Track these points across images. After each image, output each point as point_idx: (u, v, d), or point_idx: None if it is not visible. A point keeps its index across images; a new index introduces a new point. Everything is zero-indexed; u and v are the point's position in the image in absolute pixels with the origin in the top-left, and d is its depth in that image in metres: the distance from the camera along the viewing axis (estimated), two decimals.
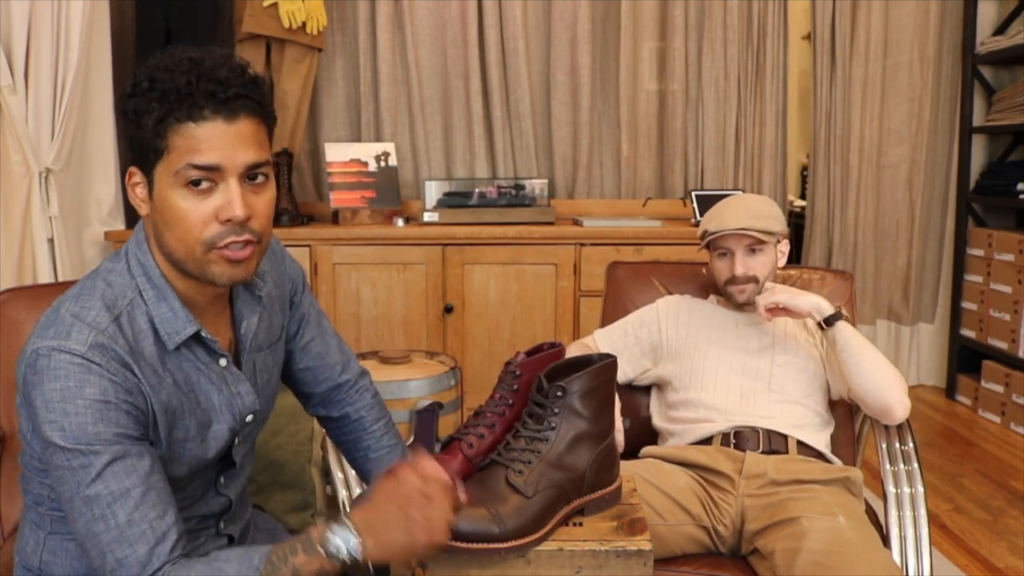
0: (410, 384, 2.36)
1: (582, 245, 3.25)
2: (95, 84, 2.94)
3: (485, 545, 1.02)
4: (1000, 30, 3.80)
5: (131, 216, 3.13)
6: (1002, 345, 3.58)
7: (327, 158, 3.45)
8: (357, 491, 1.63)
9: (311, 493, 2.02)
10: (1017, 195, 3.56)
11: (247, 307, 1.18)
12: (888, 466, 1.64)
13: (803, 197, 4.72)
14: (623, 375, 1.88)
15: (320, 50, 3.45)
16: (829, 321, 1.70)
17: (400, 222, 3.32)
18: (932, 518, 2.17)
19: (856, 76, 3.78)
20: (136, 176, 1.05)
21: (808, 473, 1.59)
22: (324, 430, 1.44)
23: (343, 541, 0.98)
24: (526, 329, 3.28)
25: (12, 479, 1.42)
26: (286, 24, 3.25)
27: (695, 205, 3.39)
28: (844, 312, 1.73)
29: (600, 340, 1.93)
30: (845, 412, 1.85)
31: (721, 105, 3.74)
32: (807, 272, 2.06)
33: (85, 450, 0.97)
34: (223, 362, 1.13)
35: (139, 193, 1.06)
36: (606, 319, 2.04)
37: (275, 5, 3.23)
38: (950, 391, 3.94)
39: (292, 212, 3.31)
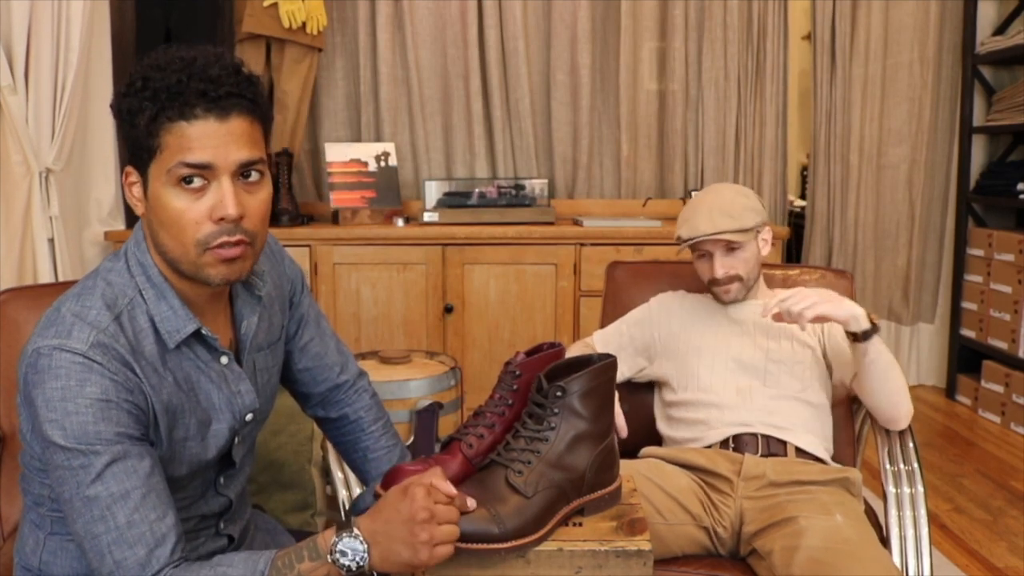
0: (410, 384, 2.36)
1: (582, 245, 3.25)
2: (95, 84, 2.94)
3: (485, 545, 1.02)
4: (1000, 30, 3.80)
5: (131, 216, 3.13)
6: (1002, 345, 3.58)
7: (327, 158, 3.45)
8: (357, 491, 1.63)
9: (311, 493, 2.03)
10: (1017, 195, 3.56)
11: (247, 306, 1.18)
12: (888, 466, 1.64)
13: (803, 197, 4.71)
14: (620, 374, 1.86)
15: (320, 50, 3.45)
16: (866, 334, 1.59)
17: (400, 222, 3.32)
18: (932, 518, 2.17)
19: (856, 76, 3.78)
20: (132, 175, 1.05)
21: (807, 474, 1.59)
22: (322, 431, 1.44)
23: (351, 550, 0.98)
24: (526, 329, 3.28)
25: (12, 479, 1.42)
26: (286, 24, 3.25)
27: None
28: (876, 323, 1.63)
29: (598, 341, 1.93)
30: (845, 412, 1.85)
31: (721, 105, 3.74)
32: (807, 272, 2.05)
33: (85, 450, 0.97)
34: (224, 360, 1.13)
35: (135, 192, 1.06)
36: (606, 319, 2.04)
37: (275, 5, 3.23)
38: (950, 391, 3.94)
39: (292, 212, 3.31)
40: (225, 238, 1.02)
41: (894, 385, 1.64)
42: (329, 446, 1.68)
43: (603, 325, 2.01)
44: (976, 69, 3.82)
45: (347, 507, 1.61)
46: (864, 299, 3.92)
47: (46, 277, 2.73)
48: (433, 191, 3.49)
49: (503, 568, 1.06)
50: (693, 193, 3.44)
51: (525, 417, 1.13)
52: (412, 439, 2.32)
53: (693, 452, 1.66)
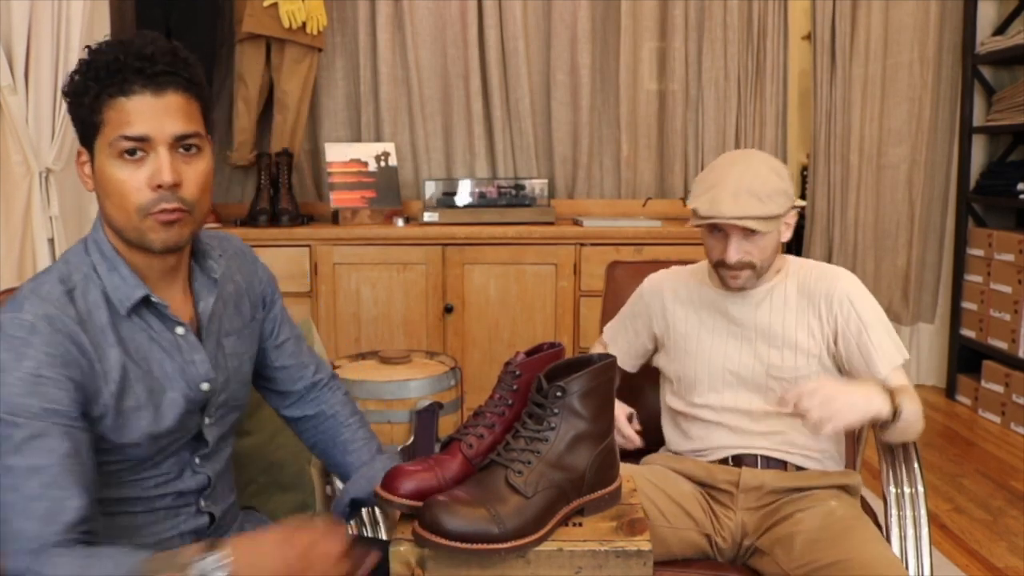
0: (410, 384, 2.36)
1: (582, 245, 3.25)
2: None
3: (485, 545, 1.02)
4: (1000, 30, 3.80)
5: None
6: (1002, 345, 3.58)
7: (327, 158, 3.45)
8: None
9: (310, 495, 2.02)
10: (1017, 195, 3.56)
11: (204, 287, 1.24)
12: (888, 466, 1.64)
13: (803, 197, 4.71)
14: (633, 366, 1.80)
15: (320, 50, 3.45)
16: (893, 415, 1.45)
17: (400, 222, 3.32)
18: (932, 518, 2.16)
19: (856, 76, 3.78)
20: (83, 155, 1.13)
21: (806, 480, 1.58)
22: (299, 433, 1.46)
23: (208, 568, 0.98)
24: (526, 329, 3.28)
25: None
26: (286, 24, 3.24)
27: None
28: (899, 405, 1.46)
29: (608, 340, 1.85)
30: None
31: (721, 105, 3.74)
32: None
33: (10, 420, 1.01)
34: (180, 330, 1.18)
35: (86, 171, 1.14)
36: (606, 319, 2.03)
37: (275, 5, 3.23)
38: (950, 391, 3.94)
39: (292, 212, 3.31)
40: (163, 204, 1.09)
41: (914, 429, 1.52)
42: None
43: (603, 325, 2.00)
44: (976, 69, 3.82)
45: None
46: None
47: None
48: (433, 191, 3.49)
49: (503, 568, 1.05)
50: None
51: (525, 417, 1.13)
52: (412, 439, 2.32)
53: (692, 463, 1.64)
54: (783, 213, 1.55)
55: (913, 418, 1.48)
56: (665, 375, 1.77)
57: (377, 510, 1.54)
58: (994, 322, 3.63)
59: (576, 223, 3.37)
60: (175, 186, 1.09)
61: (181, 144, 1.10)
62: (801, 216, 4.17)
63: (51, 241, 2.77)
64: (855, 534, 1.43)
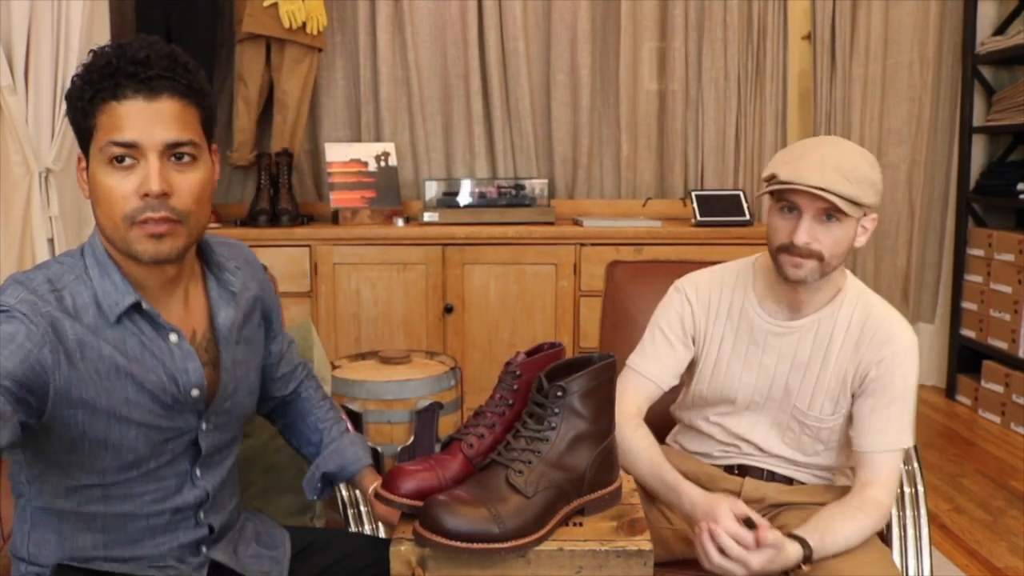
0: (410, 384, 2.36)
1: (582, 245, 3.25)
2: None
3: (485, 545, 1.02)
4: (1000, 30, 3.80)
5: None
6: (1002, 345, 3.58)
7: (327, 158, 3.45)
8: (357, 493, 1.62)
9: None
10: (1017, 195, 3.56)
11: (222, 300, 1.22)
12: None
13: None
14: (673, 378, 1.59)
15: (320, 50, 3.45)
16: (806, 559, 1.34)
17: (400, 222, 3.32)
18: (932, 518, 2.17)
19: (856, 76, 3.78)
20: (82, 161, 1.11)
21: (809, 497, 1.55)
22: (270, 416, 1.48)
23: None
24: (526, 329, 3.28)
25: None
26: (286, 24, 3.24)
27: (695, 205, 3.39)
28: (810, 544, 1.34)
29: (639, 365, 1.59)
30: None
31: (721, 105, 3.74)
32: None
33: None
34: (173, 338, 1.14)
35: (84, 177, 1.12)
36: (606, 319, 2.03)
37: (275, 5, 3.23)
38: (950, 391, 3.94)
39: (292, 212, 3.31)
40: (150, 214, 1.06)
41: (858, 540, 1.40)
42: None
43: (603, 325, 1.99)
44: (976, 69, 3.82)
45: (348, 510, 1.60)
46: None
47: None
48: (433, 191, 3.49)
49: (503, 568, 1.06)
50: (693, 193, 3.44)
51: (525, 417, 1.13)
52: (412, 439, 2.32)
53: (696, 465, 1.61)
54: (867, 204, 1.38)
55: (854, 538, 1.37)
56: (682, 382, 1.66)
57: (358, 493, 1.55)
58: (994, 322, 3.63)
59: (576, 223, 3.37)
60: (164, 195, 1.05)
61: (173, 152, 1.07)
62: None
63: (51, 241, 2.77)
64: (857, 553, 1.38)
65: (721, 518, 1.32)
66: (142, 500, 1.16)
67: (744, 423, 1.56)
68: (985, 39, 3.79)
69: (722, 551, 1.31)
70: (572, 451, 1.11)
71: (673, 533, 1.53)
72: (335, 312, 3.21)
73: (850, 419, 1.50)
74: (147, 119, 1.05)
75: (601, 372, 1.15)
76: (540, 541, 1.07)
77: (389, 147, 3.51)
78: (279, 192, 3.32)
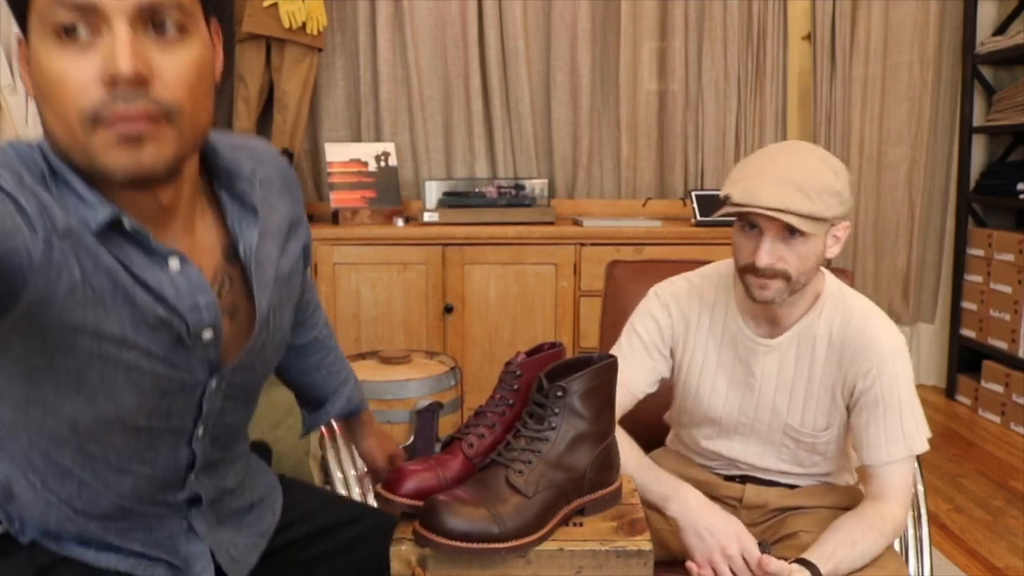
0: (410, 384, 2.36)
1: (582, 245, 3.25)
2: None
3: (485, 545, 1.02)
4: (1000, 30, 3.80)
5: None
6: (1002, 345, 3.58)
7: (327, 158, 3.45)
8: (356, 490, 1.62)
9: None
10: (1017, 195, 3.56)
11: (242, 220, 0.91)
12: None
13: None
14: (648, 386, 1.55)
15: (320, 50, 3.45)
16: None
17: (400, 222, 3.32)
18: (932, 518, 2.17)
19: (856, 76, 3.78)
20: (23, 46, 0.79)
21: (811, 500, 1.54)
22: (279, 374, 1.30)
23: None
24: (526, 329, 3.28)
25: None
26: (286, 24, 3.25)
27: (695, 205, 3.39)
28: (821, 571, 1.28)
29: (628, 376, 1.51)
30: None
31: (721, 105, 3.74)
32: None
33: None
34: (174, 264, 0.85)
35: (26, 67, 0.80)
36: (606, 319, 2.02)
37: (275, 5, 3.23)
38: (950, 391, 3.95)
39: None
40: (120, 107, 0.74)
41: (872, 554, 1.35)
42: (327, 442, 1.67)
43: (603, 325, 1.98)
44: (976, 69, 3.82)
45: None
46: None
47: None
48: (433, 191, 3.49)
49: (503, 568, 1.05)
50: (693, 193, 3.43)
51: (526, 417, 1.13)
52: (412, 439, 2.32)
53: (698, 471, 1.60)
54: (832, 218, 1.28)
55: (868, 555, 1.33)
56: (672, 394, 1.62)
57: (355, 451, 1.45)
58: (994, 322, 3.63)
59: (576, 223, 3.37)
60: (141, 81, 0.74)
61: (151, 19, 0.75)
62: None
63: None
64: (875, 566, 1.36)
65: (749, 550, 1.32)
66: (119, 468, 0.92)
67: (736, 447, 1.52)
68: (985, 39, 3.79)
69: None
70: (572, 451, 1.11)
71: (673, 533, 1.52)
72: (335, 312, 3.21)
73: (849, 430, 1.48)
74: None
75: (601, 372, 1.15)
76: (540, 541, 1.07)
77: (389, 147, 3.51)
78: None
